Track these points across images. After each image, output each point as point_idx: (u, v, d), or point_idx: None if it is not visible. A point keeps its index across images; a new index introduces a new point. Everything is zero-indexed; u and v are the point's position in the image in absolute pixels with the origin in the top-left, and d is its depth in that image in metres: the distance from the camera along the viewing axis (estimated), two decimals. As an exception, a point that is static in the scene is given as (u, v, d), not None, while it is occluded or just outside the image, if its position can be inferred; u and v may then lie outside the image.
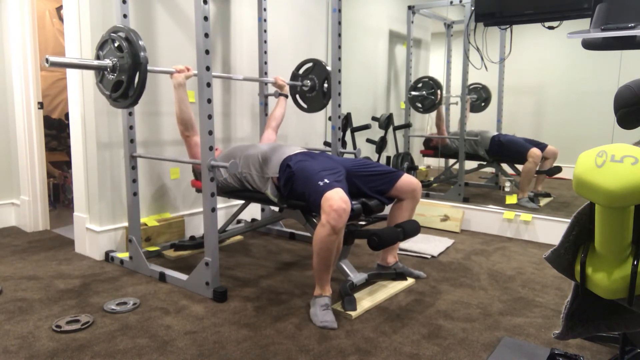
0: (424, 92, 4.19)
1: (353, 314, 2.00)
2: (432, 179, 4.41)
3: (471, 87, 4.17)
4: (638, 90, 1.15)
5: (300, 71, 3.19)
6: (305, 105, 3.23)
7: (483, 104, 4.15)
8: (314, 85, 3.12)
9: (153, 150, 2.91)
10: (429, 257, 2.82)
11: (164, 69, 2.38)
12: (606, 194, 0.90)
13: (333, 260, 1.99)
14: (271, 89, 3.53)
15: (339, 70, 2.83)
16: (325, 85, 3.09)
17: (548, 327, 1.93)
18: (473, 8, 2.79)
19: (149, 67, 2.03)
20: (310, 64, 3.14)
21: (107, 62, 2.04)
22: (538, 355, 1.69)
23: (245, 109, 3.49)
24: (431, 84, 4.16)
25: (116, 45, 2.01)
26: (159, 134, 2.93)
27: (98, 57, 2.10)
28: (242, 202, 3.04)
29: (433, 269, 2.61)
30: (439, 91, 4.13)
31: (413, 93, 4.21)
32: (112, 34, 2.03)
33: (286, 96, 3.03)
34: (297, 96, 3.24)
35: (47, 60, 1.85)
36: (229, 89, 3.36)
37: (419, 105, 4.23)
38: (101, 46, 2.09)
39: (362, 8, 4.32)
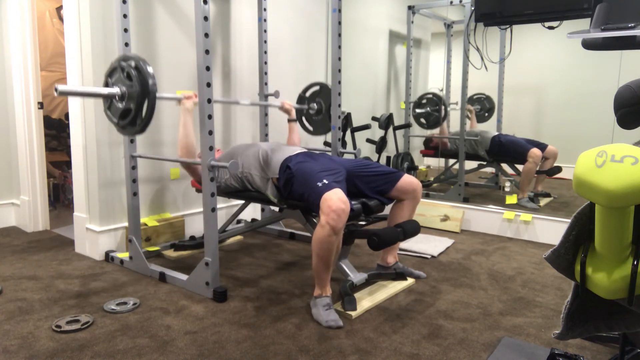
0: (428, 108, 4.17)
1: (353, 314, 2.00)
2: (432, 179, 4.41)
3: (475, 97, 4.17)
4: (638, 90, 1.15)
5: (307, 94, 3.19)
6: (311, 128, 3.22)
7: (487, 114, 4.14)
8: (320, 109, 3.11)
9: (153, 150, 2.91)
10: (429, 257, 2.82)
11: (171, 95, 2.40)
12: (606, 194, 0.90)
13: (333, 261, 1.99)
14: (271, 89, 3.54)
15: (339, 70, 2.83)
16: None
17: (548, 327, 1.93)
18: (473, 8, 2.79)
19: (157, 95, 2.02)
20: (317, 87, 3.14)
21: (116, 89, 2.03)
22: (538, 355, 1.69)
23: (245, 109, 3.49)
24: (435, 101, 4.14)
25: (125, 73, 2.01)
26: (159, 134, 2.93)
27: (107, 84, 2.10)
28: (242, 202, 3.05)
29: (433, 269, 2.61)
30: (443, 107, 4.11)
31: (417, 110, 4.20)
32: (121, 62, 2.03)
33: (295, 121, 3.02)
34: (303, 118, 3.23)
35: (56, 89, 1.86)
36: (229, 89, 3.36)
37: (424, 121, 4.21)
38: (110, 73, 2.09)
39: (362, 8, 4.32)
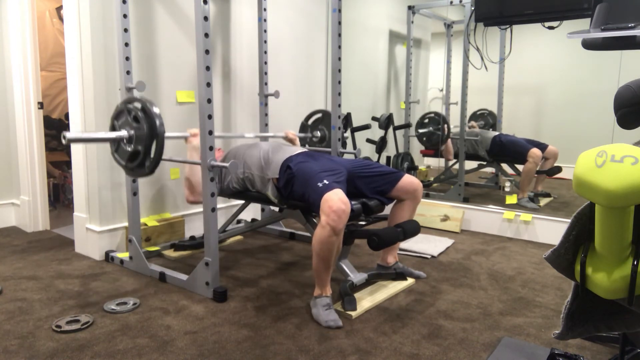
0: (431, 128, 4.16)
1: (353, 314, 2.00)
2: (432, 179, 4.41)
3: (478, 112, 4.16)
4: (638, 90, 1.15)
5: (310, 122, 3.18)
6: None
7: (490, 129, 4.14)
8: (324, 136, 3.11)
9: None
10: (429, 257, 2.82)
11: (179, 134, 2.42)
12: (606, 194, 0.90)
13: (333, 261, 1.99)
14: (271, 89, 3.54)
15: (339, 70, 2.83)
16: None
17: (548, 327, 1.93)
18: (473, 8, 2.79)
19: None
20: (319, 115, 3.13)
21: (124, 133, 2.02)
22: (538, 355, 1.69)
23: (245, 107, 3.49)
24: (438, 120, 4.13)
25: (132, 116, 1.99)
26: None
27: (114, 128, 2.09)
28: (242, 202, 3.05)
29: (433, 269, 2.61)
30: (445, 126, 4.10)
31: (420, 130, 4.19)
32: (127, 105, 2.02)
33: None
34: (307, 146, 3.22)
35: (64, 137, 1.87)
36: (229, 89, 3.36)
37: (426, 139, 4.21)
38: (117, 116, 2.08)
39: (362, 8, 4.32)
